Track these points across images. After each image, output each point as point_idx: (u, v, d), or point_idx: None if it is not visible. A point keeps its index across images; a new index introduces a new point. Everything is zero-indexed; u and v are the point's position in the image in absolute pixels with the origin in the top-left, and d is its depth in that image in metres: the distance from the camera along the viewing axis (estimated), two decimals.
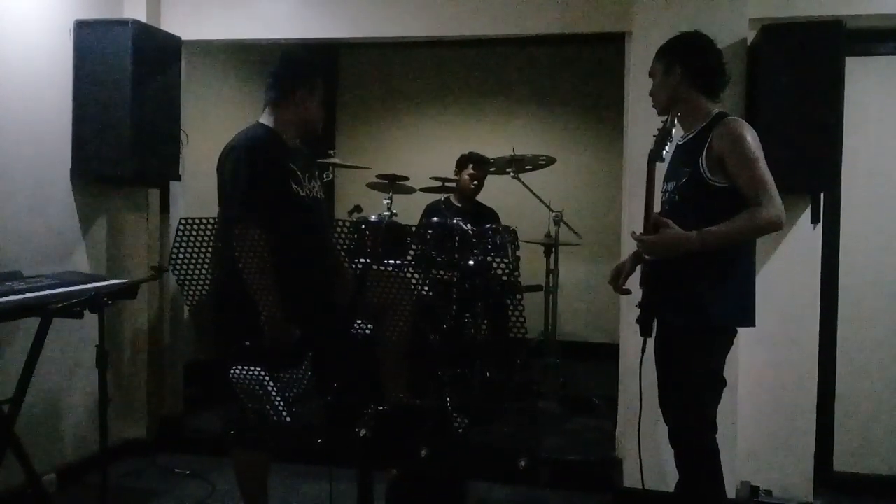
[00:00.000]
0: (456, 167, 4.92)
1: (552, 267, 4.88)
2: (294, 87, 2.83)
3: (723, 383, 2.62)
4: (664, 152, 2.53)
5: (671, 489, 2.73)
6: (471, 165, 4.83)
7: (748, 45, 3.40)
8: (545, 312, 4.92)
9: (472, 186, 4.83)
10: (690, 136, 2.63)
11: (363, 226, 3.71)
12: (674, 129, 2.53)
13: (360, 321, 2.48)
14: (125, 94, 3.59)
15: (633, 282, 2.77)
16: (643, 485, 3.05)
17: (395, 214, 4.32)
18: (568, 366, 4.91)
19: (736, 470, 3.38)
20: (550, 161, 4.75)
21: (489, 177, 4.90)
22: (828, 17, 3.32)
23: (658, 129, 2.55)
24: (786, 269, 3.49)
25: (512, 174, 4.64)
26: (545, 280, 4.91)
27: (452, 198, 4.91)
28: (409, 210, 5.01)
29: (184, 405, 4.42)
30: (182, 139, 4.07)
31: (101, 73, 3.62)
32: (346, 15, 4.05)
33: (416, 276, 2.62)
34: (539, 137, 6.34)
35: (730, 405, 3.06)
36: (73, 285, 2.92)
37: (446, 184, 4.79)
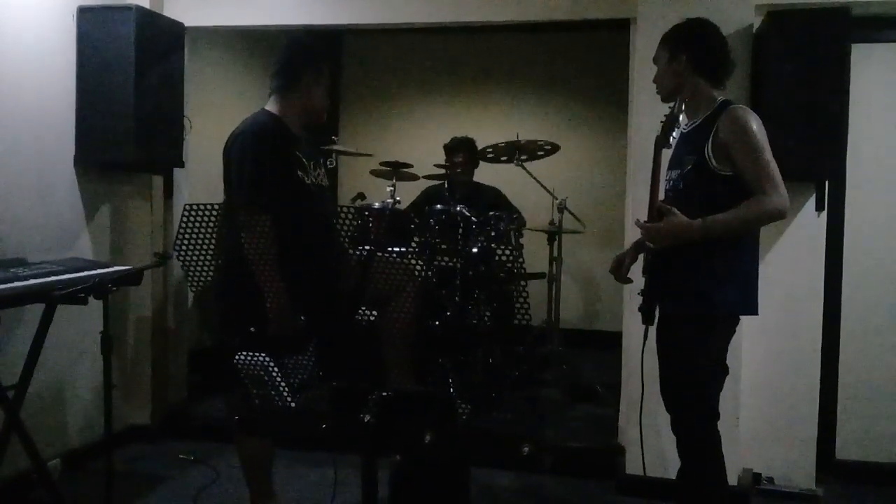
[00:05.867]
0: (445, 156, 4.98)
1: (555, 254, 4.88)
2: (300, 75, 2.81)
3: (725, 371, 2.63)
4: (671, 139, 2.52)
5: (673, 476, 2.73)
6: (452, 153, 4.91)
7: (753, 31, 3.38)
8: (548, 300, 4.92)
9: (458, 172, 4.86)
10: (695, 125, 2.61)
11: (367, 213, 3.71)
12: (681, 116, 2.52)
13: (364, 308, 2.48)
14: (128, 80, 3.58)
15: (636, 271, 2.77)
16: (645, 472, 3.06)
17: (399, 202, 4.32)
18: (570, 353, 4.91)
19: (738, 457, 3.38)
20: (554, 148, 4.74)
21: (493, 165, 4.89)
22: (834, 4, 3.30)
23: (665, 116, 2.54)
24: (790, 257, 3.49)
25: (516, 161, 4.63)
26: (548, 268, 4.91)
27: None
28: (412, 198, 5.01)
29: (188, 391, 4.44)
30: (185, 126, 4.06)
31: (105, 60, 3.60)
32: (351, 1, 4.03)
33: (419, 263, 2.62)
34: (543, 124, 6.31)
35: (732, 393, 3.07)
36: (77, 272, 2.92)
37: (448, 171, 4.81)
